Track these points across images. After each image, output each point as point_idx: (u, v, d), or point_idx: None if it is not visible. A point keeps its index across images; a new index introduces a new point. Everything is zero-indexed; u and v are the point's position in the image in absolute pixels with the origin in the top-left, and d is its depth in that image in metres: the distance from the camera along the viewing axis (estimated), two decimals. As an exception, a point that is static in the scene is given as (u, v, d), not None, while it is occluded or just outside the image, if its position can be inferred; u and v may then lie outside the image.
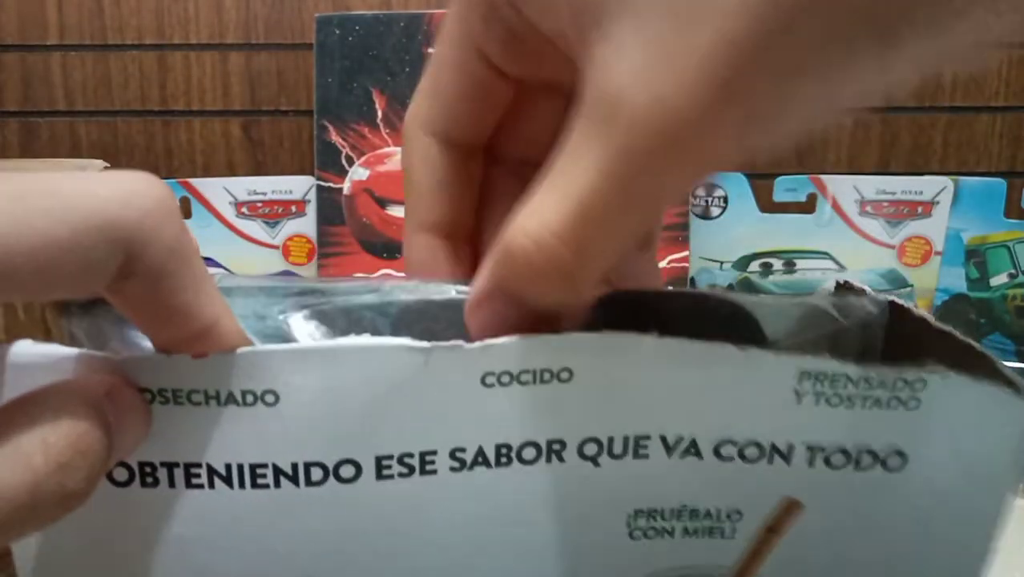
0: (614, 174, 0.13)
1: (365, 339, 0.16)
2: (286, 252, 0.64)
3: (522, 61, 0.17)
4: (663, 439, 0.18)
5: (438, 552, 0.18)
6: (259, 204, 0.63)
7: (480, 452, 0.17)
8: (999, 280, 0.58)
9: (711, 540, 0.19)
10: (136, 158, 0.67)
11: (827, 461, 0.18)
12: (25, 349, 0.16)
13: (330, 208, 0.63)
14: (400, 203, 0.63)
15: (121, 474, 0.17)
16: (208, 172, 0.67)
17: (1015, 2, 0.13)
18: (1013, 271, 0.58)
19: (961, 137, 0.66)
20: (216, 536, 0.17)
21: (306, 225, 0.63)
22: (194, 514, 0.17)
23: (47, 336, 0.17)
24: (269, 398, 0.16)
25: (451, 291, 0.19)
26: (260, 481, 0.17)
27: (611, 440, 0.18)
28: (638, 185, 0.14)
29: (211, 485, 0.17)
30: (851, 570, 0.20)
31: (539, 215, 0.14)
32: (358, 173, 0.62)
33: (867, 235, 0.60)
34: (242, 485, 0.17)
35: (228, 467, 0.17)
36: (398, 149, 0.62)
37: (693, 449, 0.18)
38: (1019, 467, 0.18)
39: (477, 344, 0.16)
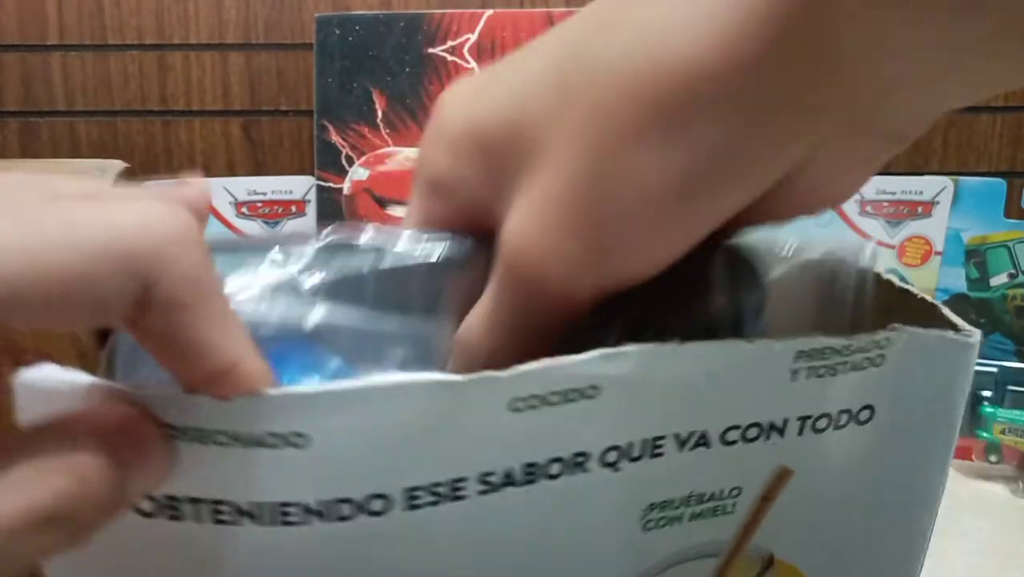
0: (501, 300, 0.17)
1: (395, 376, 0.16)
2: (286, 252, 0.64)
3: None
4: (676, 436, 0.18)
5: (465, 572, 0.19)
6: (259, 204, 0.63)
7: (508, 473, 0.17)
8: (999, 280, 0.58)
9: (714, 519, 0.20)
10: (136, 158, 0.67)
11: (814, 427, 0.19)
12: (47, 375, 0.15)
13: (330, 208, 0.63)
14: (400, 203, 0.63)
15: (147, 505, 0.16)
16: (208, 172, 0.67)
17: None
18: (1013, 271, 0.58)
19: (961, 137, 0.66)
20: (243, 571, 0.17)
21: (306, 225, 0.63)
22: (221, 549, 0.17)
23: (79, 351, 0.17)
24: (297, 440, 0.16)
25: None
26: (289, 519, 0.17)
27: (631, 445, 0.18)
28: (520, 308, 0.17)
29: (238, 522, 0.17)
30: (832, 516, 0.21)
31: (467, 330, 0.19)
32: (358, 173, 0.62)
33: (867, 235, 0.60)
34: (272, 522, 0.17)
35: (256, 505, 0.16)
36: (398, 149, 0.62)
37: (703, 440, 0.19)
38: (964, 397, 0.20)
39: (507, 372, 0.16)
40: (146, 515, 0.16)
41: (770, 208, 0.17)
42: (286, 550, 0.17)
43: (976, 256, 0.59)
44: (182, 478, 0.16)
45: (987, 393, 0.56)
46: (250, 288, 0.19)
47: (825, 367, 0.18)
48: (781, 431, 0.19)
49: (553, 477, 0.18)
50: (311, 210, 0.63)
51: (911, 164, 0.66)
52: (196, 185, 0.17)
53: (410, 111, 0.62)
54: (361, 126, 0.62)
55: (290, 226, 0.63)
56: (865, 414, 0.20)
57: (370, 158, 0.62)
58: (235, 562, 0.17)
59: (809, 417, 0.19)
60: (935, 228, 0.59)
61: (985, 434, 0.53)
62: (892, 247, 0.60)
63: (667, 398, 0.18)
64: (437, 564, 0.18)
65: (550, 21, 0.62)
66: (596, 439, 0.18)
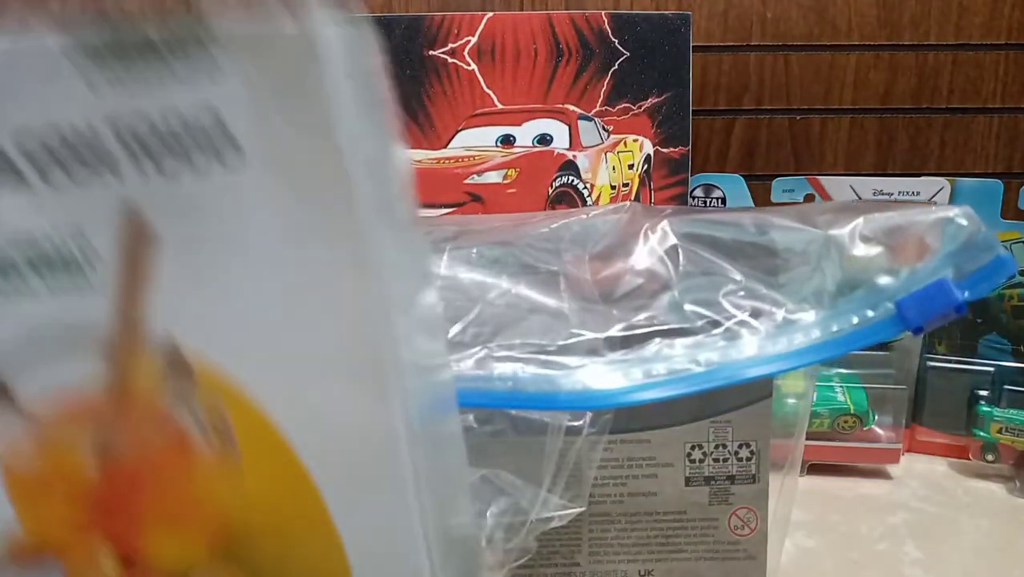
0: None
1: None
2: (287, 253, 0.64)
3: None
4: None
5: None
6: (260, 205, 0.63)
7: None
8: (996, 280, 0.59)
9: (76, 290, 0.16)
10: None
11: (149, 154, 0.15)
12: None
13: (331, 209, 0.63)
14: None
15: None
16: (209, 173, 0.67)
17: None
18: (1010, 271, 0.58)
19: (958, 138, 0.66)
20: None
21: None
22: None
23: None
24: None
25: None
26: None
27: None
28: None
29: None
30: (256, 311, 0.17)
31: None
32: (359, 174, 0.62)
33: (865, 236, 0.60)
34: None
35: None
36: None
37: None
38: (340, 121, 0.15)
39: None
40: None
41: None
42: None
43: (973, 256, 0.59)
44: None
45: (984, 392, 0.56)
46: None
47: (109, 50, 0.14)
48: (102, 157, 0.15)
49: None
50: (312, 211, 0.63)
51: (908, 165, 0.67)
52: None
53: (411, 113, 0.62)
54: (362, 128, 0.62)
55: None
56: (231, 154, 0.15)
57: (371, 160, 0.62)
58: None
59: (122, 124, 0.15)
60: (932, 229, 0.59)
61: (982, 433, 0.53)
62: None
63: None
64: None
65: (550, 23, 0.62)
66: None
